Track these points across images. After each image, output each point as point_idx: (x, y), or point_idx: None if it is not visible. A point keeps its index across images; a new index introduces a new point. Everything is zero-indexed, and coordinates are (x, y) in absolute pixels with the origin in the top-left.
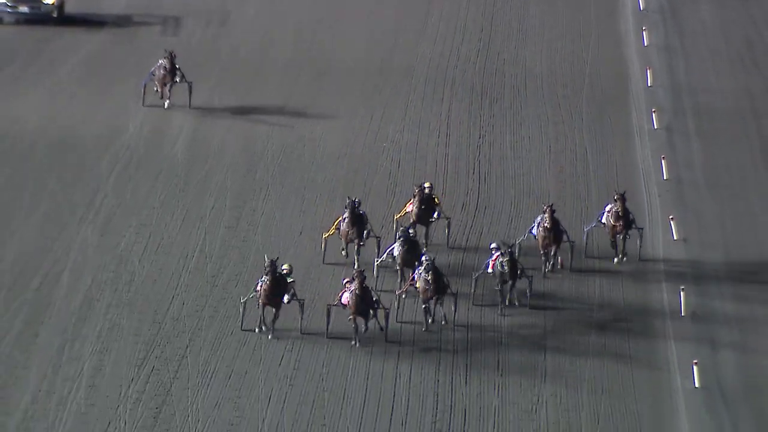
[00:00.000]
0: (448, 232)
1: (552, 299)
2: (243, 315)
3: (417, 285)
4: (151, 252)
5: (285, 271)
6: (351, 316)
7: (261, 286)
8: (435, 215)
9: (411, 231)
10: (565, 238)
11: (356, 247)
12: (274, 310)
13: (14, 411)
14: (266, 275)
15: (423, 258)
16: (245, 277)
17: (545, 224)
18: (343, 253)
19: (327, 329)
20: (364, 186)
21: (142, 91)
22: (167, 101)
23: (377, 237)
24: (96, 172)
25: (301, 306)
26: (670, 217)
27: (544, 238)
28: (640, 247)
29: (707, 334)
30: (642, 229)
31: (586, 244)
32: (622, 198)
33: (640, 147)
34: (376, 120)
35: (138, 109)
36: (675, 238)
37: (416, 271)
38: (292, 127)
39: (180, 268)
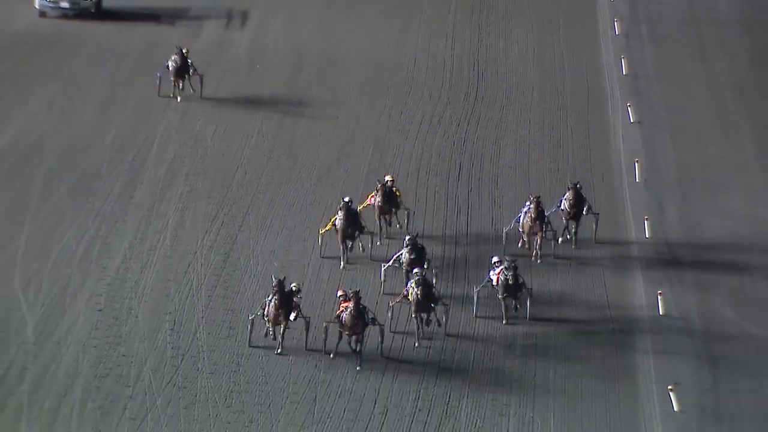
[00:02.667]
0: (407, 222)
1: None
2: (251, 331)
3: (409, 297)
4: (220, 132)
5: (294, 289)
6: (347, 335)
7: (269, 305)
8: (397, 206)
9: (417, 238)
10: (548, 228)
11: (350, 244)
12: (282, 326)
13: (116, 255)
14: (274, 294)
15: (414, 271)
16: (295, 152)
17: (531, 214)
18: (342, 263)
19: (324, 346)
20: (386, 81)
21: (158, 82)
22: (179, 95)
23: (371, 232)
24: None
25: (307, 323)
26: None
27: (531, 227)
28: (596, 230)
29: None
30: (598, 214)
31: (554, 230)
32: (575, 187)
33: (604, 50)
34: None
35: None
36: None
37: (408, 284)
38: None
39: (243, 146)
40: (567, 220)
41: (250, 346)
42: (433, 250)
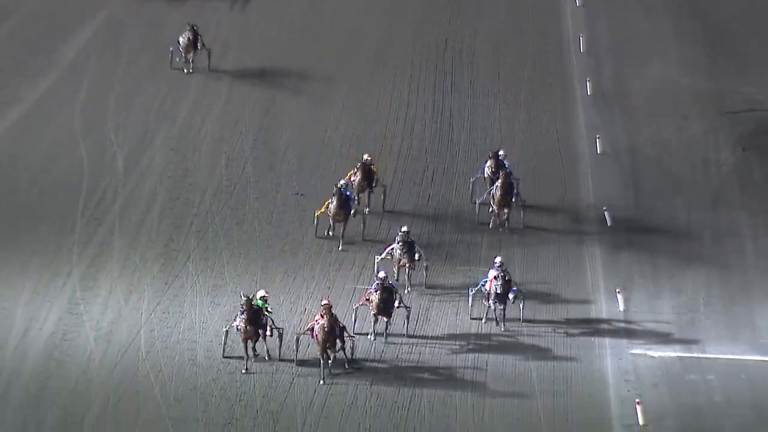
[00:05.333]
0: (385, 198)
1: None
2: (225, 342)
3: (370, 300)
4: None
5: (262, 298)
6: (319, 348)
7: (239, 323)
8: (374, 183)
9: (408, 230)
10: (519, 200)
11: (342, 228)
12: (252, 342)
13: (183, 107)
14: (242, 313)
15: (379, 274)
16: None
17: (500, 190)
18: (330, 233)
19: (296, 358)
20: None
21: (170, 56)
22: (190, 67)
23: (363, 215)
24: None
25: (280, 336)
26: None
27: (501, 200)
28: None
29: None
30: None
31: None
32: (496, 155)
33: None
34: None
35: None
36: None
37: (371, 286)
38: None
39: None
40: (490, 191)
41: (224, 357)
42: (420, 233)
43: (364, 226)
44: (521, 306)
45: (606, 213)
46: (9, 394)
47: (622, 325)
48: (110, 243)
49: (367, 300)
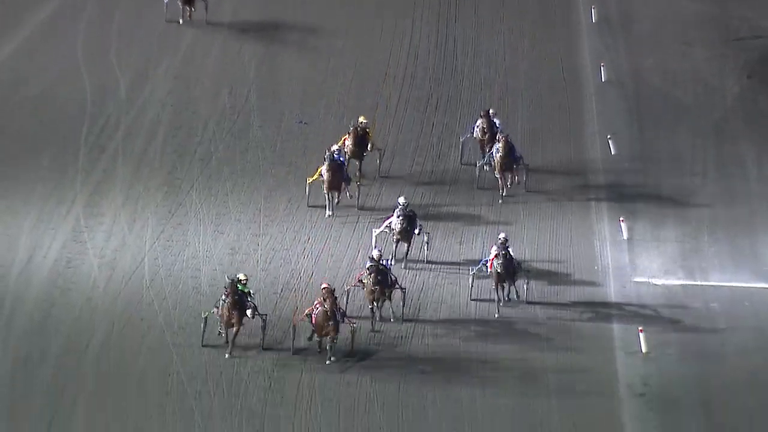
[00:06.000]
0: (380, 162)
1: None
2: (204, 329)
3: (364, 282)
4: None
5: (242, 281)
6: (316, 335)
7: (221, 307)
8: (368, 147)
9: (407, 203)
10: (521, 163)
11: (337, 195)
12: (234, 328)
13: (186, 36)
14: (226, 296)
15: (374, 253)
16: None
17: (501, 152)
18: (328, 211)
19: (292, 346)
20: None
21: (164, 8)
22: (187, 17)
23: (358, 183)
24: None
25: (264, 321)
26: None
27: (502, 164)
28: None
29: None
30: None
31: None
32: (487, 114)
33: None
34: None
35: None
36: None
37: (365, 268)
38: None
39: None
40: (482, 148)
41: (203, 345)
42: (420, 207)
43: (358, 196)
44: (525, 287)
45: (610, 141)
46: (13, 322)
47: (626, 253)
48: (113, 171)
49: (360, 282)
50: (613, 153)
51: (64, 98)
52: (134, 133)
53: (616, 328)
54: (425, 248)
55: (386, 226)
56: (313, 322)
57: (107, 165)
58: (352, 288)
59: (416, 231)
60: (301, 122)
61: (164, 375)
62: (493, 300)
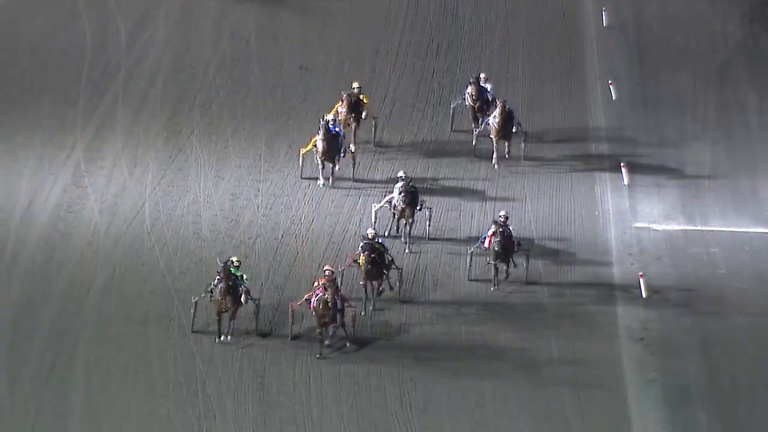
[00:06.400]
0: (374, 132)
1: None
2: (194, 315)
3: (359, 262)
4: None
5: (235, 265)
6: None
7: (214, 291)
8: (363, 115)
9: (409, 178)
10: (518, 129)
11: (332, 167)
12: (229, 314)
13: None
14: (220, 281)
15: (368, 231)
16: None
17: (498, 118)
18: (320, 182)
19: (290, 332)
20: None
21: None
22: None
23: (353, 154)
24: None
25: (257, 305)
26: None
27: (499, 131)
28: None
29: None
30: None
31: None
32: (477, 80)
33: None
34: None
35: None
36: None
37: (359, 248)
38: None
39: None
40: (474, 114)
41: (193, 331)
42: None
43: (354, 166)
44: (525, 265)
45: (611, 86)
46: (15, 266)
47: (626, 198)
48: (114, 116)
49: (355, 261)
50: (614, 98)
51: (64, 43)
52: (134, 77)
53: (617, 273)
54: (426, 225)
55: (386, 201)
56: (312, 308)
57: (107, 110)
58: (346, 268)
59: (418, 207)
60: (302, 67)
61: (165, 319)
62: (490, 280)
